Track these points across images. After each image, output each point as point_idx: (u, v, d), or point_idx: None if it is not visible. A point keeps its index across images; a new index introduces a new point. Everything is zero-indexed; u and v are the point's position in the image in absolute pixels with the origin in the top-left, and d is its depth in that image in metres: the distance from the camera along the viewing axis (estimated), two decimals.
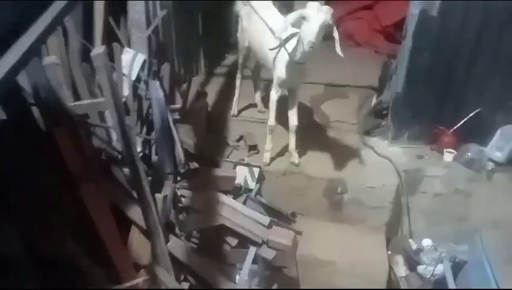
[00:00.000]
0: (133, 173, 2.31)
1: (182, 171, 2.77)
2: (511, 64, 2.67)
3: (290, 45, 2.58)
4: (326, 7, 2.35)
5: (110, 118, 2.34)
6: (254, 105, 3.67)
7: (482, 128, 2.87)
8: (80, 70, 2.49)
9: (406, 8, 5.36)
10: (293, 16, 2.43)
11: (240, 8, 3.23)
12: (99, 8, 2.93)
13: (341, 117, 3.52)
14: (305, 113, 3.62)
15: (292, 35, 2.56)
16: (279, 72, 2.70)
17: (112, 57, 2.68)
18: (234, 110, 3.53)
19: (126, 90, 2.84)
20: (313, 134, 3.32)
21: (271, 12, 2.96)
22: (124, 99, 2.82)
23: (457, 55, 2.75)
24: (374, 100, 3.79)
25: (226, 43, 5.06)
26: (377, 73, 4.30)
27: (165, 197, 2.48)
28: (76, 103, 2.28)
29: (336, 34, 2.43)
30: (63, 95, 2.31)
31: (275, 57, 2.70)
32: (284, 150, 3.11)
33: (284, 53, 2.61)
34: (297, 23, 2.42)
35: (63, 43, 2.52)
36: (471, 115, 2.81)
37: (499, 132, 2.80)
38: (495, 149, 2.78)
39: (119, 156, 2.61)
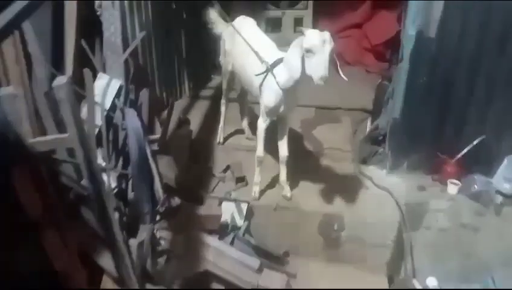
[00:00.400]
0: (102, 217, 2.03)
1: (161, 210, 2.49)
2: None
3: (279, 71, 2.36)
4: (327, 33, 2.13)
5: None
6: (241, 131, 3.43)
7: (487, 157, 2.67)
8: (45, 101, 2.20)
9: (396, 27, 5.40)
10: (299, 49, 2.19)
11: (222, 29, 3.01)
12: (70, 30, 2.67)
13: (334, 144, 3.29)
14: (295, 139, 3.38)
15: (279, 60, 2.35)
16: (267, 100, 2.47)
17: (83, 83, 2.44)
18: (220, 137, 3.28)
19: (99, 120, 2.57)
20: (304, 163, 3.08)
21: (255, 33, 2.74)
22: (96, 130, 2.55)
23: (457, 78, 2.57)
24: (369, 124, 3.59)
25: (211, 64, 4.84)
26: (370, 94, 4.12)
27: (141, 243, 2.19)
28: (38, 138, 2.00)
29: (336, 59, 2.22)
30: (23, 130, 2.04)
31: (261, 83, 2.47)
32: (275, 182, 2.86)
33: (272, 79, 2.39)
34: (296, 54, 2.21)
35: (25, 71, 2.24)
36: (475, 142, 2.61)
37: (505, 161, 2.59)
38: (503, 180, 2.57)
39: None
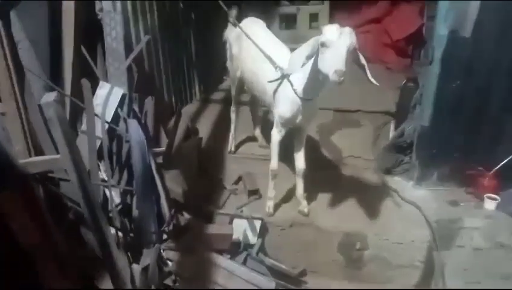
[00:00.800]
0: (100, 242, 1.86)
1: (168, 229, 2.31)
2: None
3: (296, 78, 2.13)
4: (348, 28, 1.90)
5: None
6: (254, 138, 3.22)
7: None
8: (40, 117, 2.03)
9: (418, 21, 5.08)
10: (308, 47, 1.98)
11: (228, 32, 2.79)
12: (68, 36, 2.50)
13: (355, 151, 3.05)
14: (312, 147, 3.15)
15: None
16: (282, 110, 2.24)
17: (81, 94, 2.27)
18: (231, 146, 3.08)
19: (100, 132, 2.40)
20: (322, 174, 2.84)
21: (265, 36, 2.51)
22: (98, 143, 2.38)
23: (493, 83, 2.29)
24: (392, 129, 3.33)
25: (222, 64, 4.64)
26: (392, 95, 3.85)
27: (145, 268, 2.01)
28: (29, 159, 1.84)
29: (363, 60, 1.99)
30: (14, 150, 1.88)
31: (275, 90, 2.24)
32: (290, 196, 2.64)
33: (288, 86, 2.16)
34: (312, 54, 1.98)
35: (17, 84, 2.07)
36: None
37: None
38: None
39: None
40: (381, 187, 2.69)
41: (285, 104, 2.21)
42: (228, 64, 2.86)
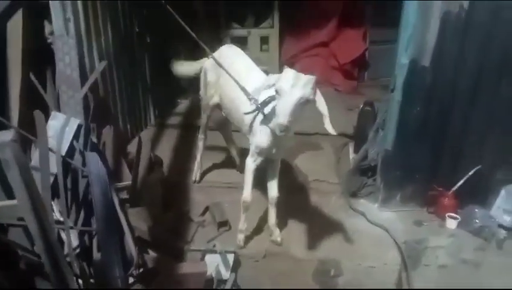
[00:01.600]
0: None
1: (135, 272, 2.11)
2: (511, 115, 2.39)
3: (269, 110, 2.10)
4: (306, 78, 1.84)
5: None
6: (217, 166, 3.12)
7: (482, 187, 2.56)
8: None
9: (362, 45, 5.37)
10: (267, 84, 1.98)
11: (203, 60, 2.71)
12: (15, 60, 2.26)
13: (319, 175, 3.08)
14: (282, 171, 3.14)
15: (271, 98, 2.08)
16: (258, 140, 2.19)
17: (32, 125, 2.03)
18: (195, 175, 2.94)
19: (54, 167, 2.16)
20: (291, 199, 2.81)
21: (243, 62, 2.47)
22: (51, 180, 2.14)
23: (452, 108, 2.44)
24: (351, 151, 3.43)
25: (177, 87, 4.51)
26: (345, 116, 3.99)
27: None
28: None
29: (323, 109, 1.92)
30: None
31: (253, 120, 2.19)
32: (262, 226, 2.57)
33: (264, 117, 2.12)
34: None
35: None
36: (471, 173, 2.49)
37: (503, 192, 2.49)
38: (502, 212, 2.47)
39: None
40: (349, 211, 2.72)
41: (261, 134, 2.16)
42: (201, 92, 2.75)
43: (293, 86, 1.82)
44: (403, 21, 2.34)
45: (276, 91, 1.88)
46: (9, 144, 1.36)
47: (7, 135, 1.38)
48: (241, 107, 2.25)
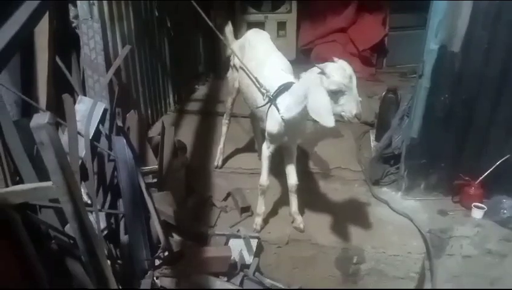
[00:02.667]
0: (98, 275, 1.67)
1: (161, 255, 2.14)
2: None
3: (283, 101, 2.10)
4: (345, 63, 1.85)
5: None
6: (239, 152, 3.12)
7: (508, 178, 2.50)
8: (15, 138, 1.79)
9: (381, 31, 5.26)
10: (302, 89, 1.96)
11: (231, 42, 2.69)
12: (42, 45, 2.26)
13: (341, 163, 3.05)
14: (299, 160, 3.11)
15: (284, 88, 2.08)
16: (270, 127, 2.19)
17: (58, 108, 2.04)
18: (218, 160, 2.95)
19: (82, 151, 2.18)
20: (313, 187, 2.82)
21: (266, 50, 2.43)
22: (80, 162, 2.16)
23: (481, 96, 2.38)
24: (372, 138, 3.39)
25: (195, 73, 4.50)
26: (365, 103, 3.92)
27: None
28: (11, 188, 1.61)
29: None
30: None
31: (266, 108, 2.20)
32: (285, 213, 2.57)
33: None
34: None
35: None
36: (499, 162, 2.44)
37: None
38: None
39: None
40: (373, 199, 2.70)
41: (273, 122, 2.16)
42: (229, 74, 2.75)
43: (351, 76, 1.81)
44: (433, 6, 2.28)
45: (336, 92, 1.80)
46: (46, 126, 1.37)
47: (43, 118, 1.39)
48: (255, 94, 2.26)
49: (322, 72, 1.82)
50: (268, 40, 2.51)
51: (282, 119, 2.11)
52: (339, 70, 1.80)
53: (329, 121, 1.85)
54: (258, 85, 2.21)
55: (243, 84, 2.46)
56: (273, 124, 2.17)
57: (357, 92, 1.82)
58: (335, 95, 1.81)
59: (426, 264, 2.46)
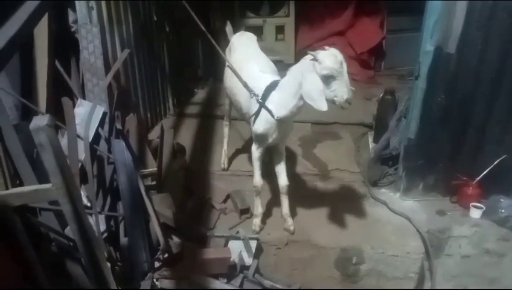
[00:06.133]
0: (94, 273, 1.67)
1: (161, 257, 2.15)
2: None
3: (272, 99, 2.12)
4: (336, 50, 1.92)
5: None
6: (237, 154, 3.14)
7: (507, 177, 2.52)
8: (15, 141, 1.81)
9: (379, 34, 5.30)
10: (295, 82, 2.00)
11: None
12: (42, 49, 2.28)
13: (340, 164, 3.07)
14: (298, 161, 3.14)
15: (271, 87, 2.10)
16: (257, 128, 2.21)
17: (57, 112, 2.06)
18: (224, 162, 2.96)
19: (82, 154, 2.20)
20: (312, 189, 2.83)
21: (251, 52, 2.47)
22: (79, 164, 2.18)
23: (476, 96, 2.40)
24: (370, 140, 3.41)
25: (194, 77, 4.52)
26: (364, 105, 3.96)
27: None
28: (11, 191, 1.62)
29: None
30: None
31: (250, 108, 2.24)
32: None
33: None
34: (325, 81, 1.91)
35: None
36: (496, 162, 2.45)
37: None
38: None
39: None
40: (371, 200, 2.71)
41: (260, 123, 2.18)
42: (224, 75, 2.77)
43: (341, 62, 1.86)
44: (428, 6, 2.30)
45: (328, 76, 1.85)
46: (45, 128, 1.38)
47: (42, 120, 1.40)
48: (243, 95, 2.28)
49: (315, 59, 1.88)
50: (252, 42, 2.55)
51: (277, 119, 2.12)
52: (331, 57, 1.86)
53: (322, 105, 1.91)
54: (248, 90, 2.21)
55: (229, 85, 2.49)
56: (259, 124, 2.20)
57: (347, 78, 1.87)
58: (327, 80, 1.86)
59: (425, 264, 2.48)
